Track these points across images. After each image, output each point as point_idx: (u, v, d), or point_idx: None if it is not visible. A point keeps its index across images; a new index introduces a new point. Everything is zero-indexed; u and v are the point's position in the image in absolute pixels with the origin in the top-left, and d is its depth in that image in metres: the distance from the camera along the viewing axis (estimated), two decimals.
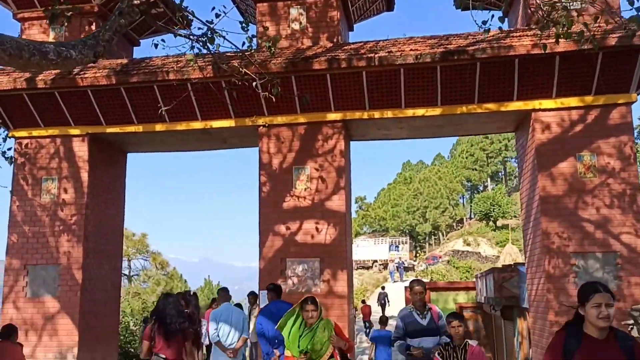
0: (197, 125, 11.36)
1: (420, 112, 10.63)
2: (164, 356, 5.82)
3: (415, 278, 11.04)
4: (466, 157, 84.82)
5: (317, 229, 10.78)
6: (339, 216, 10.78)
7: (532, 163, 10.47)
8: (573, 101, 10.13)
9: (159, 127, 11.46)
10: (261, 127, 11.17)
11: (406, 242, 50.28)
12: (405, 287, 27.40)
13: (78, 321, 10.92)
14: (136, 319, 16.56)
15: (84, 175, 11.52)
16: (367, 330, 26.28)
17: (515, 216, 63.62)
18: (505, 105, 10.38)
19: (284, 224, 10.89)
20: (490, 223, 66.62)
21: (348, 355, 6.07)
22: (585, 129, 10.10)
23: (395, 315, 8.04)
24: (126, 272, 29.37)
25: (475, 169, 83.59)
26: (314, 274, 10.63)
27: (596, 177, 9.92)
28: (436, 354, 6.10)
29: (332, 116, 10.97)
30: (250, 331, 11.46)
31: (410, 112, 10.67)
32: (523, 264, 18.64)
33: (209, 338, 9.95)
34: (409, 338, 6.96)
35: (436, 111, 10.57)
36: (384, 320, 13.11)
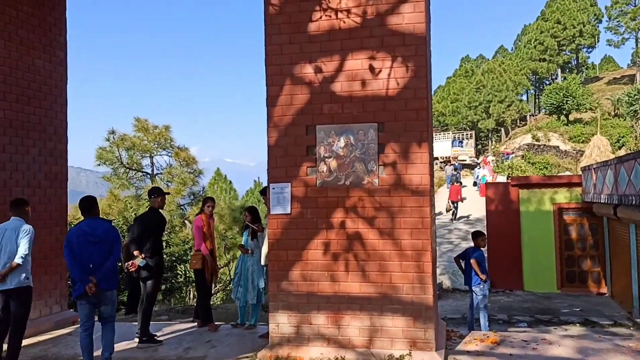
0: None
1: None
2: None
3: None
4: (534, 46, 76.46)
5: (371, 68, 5.79)
6: (414, 43, 5.71)
7: None
8: None
9: None
10: None
11: (471, 137, 44.37)
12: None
13: None
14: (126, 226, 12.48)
15: None
16: (455, 211, 23.06)
17: (591, 109, 56.57)
18: None
19: (311, 62, 5.94)
20: (562, 117, 59.84)
21: None
22: None
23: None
24: (149, 170, 25.41)
25: (544, 59, 75.41)
26: (366, 152, 5.78)
27: None
28: None
29: None
30: (263, 254, 7.06)
31: None
32: None
33: None
34: None
35: None
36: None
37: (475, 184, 30.78)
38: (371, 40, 5.80)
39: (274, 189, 5.93)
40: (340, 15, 5.87)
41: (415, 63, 5.69)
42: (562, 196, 16.14)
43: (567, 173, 32.95)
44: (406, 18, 5.72)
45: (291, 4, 5.99)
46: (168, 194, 8.27)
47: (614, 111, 56.30)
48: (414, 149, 5.66)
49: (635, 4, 65.19)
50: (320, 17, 5.92)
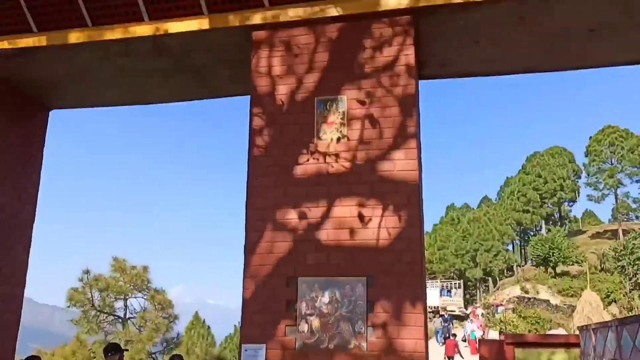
0: (144, 30, 6.18)
1: None
2: None
3: None
4: (517, 198, 78.40)
5: (361, 217, 5.31)
6: (406, 191, 5.30)
7: None
8: None
9: (75, 36, 6.32)
10: (257, 31, 5.92)
11: (459, 287, 43.30)
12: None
13: None
14: None
15: None
16: None
17: (577, 262, 56.38)
18: None
19: (296, 207, 5.47)
20: (549, 269, 59.48)
21: None
22: None
23: None
24: (121, 313, 24.03)
25: (528, 211, 76.89)
26: (353, 310, 5.09)
27: None
28: None
29: (392, 2, 5.66)
30: None
31: None
32: None
33: None
34: None
35: None
36: None
37: (464, 339, 29.19)
38: (361, 186, 5.40)
39: (246, 351, 5.13)
40: (328, 159, 5.52)
41: (408, 212, 5.23)
42: (561, 357, 15.04)
43: (561, 329, 31.75)
44: (398, 165, 5.37)
45: (277, 146, 5.67)
46: (126, 350, 7.38)
47: (601, 265, 56.14)
48: (408, 309, 4.99)
49: (611, 162, 67.87)
50: (307, 160, 5.56)
